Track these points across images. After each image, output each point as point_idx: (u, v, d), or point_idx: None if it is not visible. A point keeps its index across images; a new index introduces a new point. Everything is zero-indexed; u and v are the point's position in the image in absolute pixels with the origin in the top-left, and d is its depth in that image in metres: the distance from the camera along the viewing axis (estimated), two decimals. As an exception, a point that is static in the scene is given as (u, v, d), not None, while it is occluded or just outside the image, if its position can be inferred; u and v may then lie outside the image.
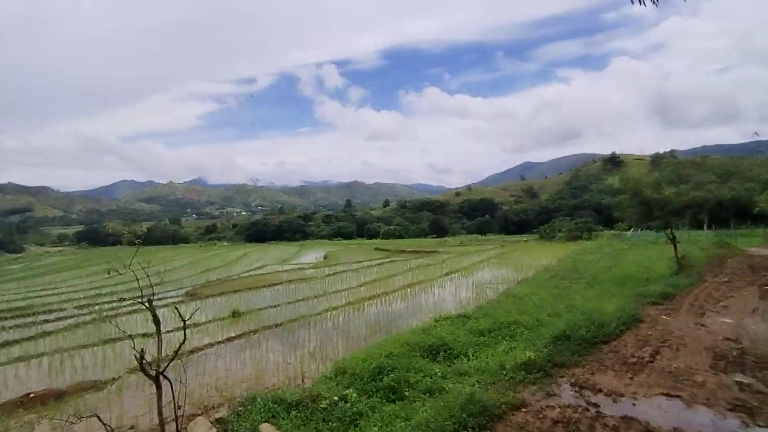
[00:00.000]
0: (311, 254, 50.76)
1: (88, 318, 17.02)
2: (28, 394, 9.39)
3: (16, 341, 14.44)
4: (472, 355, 8.72)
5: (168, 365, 5.51)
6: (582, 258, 26.08)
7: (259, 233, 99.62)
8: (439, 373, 7.68)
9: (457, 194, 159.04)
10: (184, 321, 5.66)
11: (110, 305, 19.02)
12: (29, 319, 18.26)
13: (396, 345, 9.22)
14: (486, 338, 9.95)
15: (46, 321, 17.59)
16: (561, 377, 7.44)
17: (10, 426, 7.53)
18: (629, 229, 41.87)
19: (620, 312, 10.86)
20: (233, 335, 13.09)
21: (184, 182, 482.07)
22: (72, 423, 5.33)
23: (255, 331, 13.34)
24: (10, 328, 16.75)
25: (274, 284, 23.92)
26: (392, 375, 7.45)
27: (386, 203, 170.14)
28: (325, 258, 45.67)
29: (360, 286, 21.87)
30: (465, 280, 21.92)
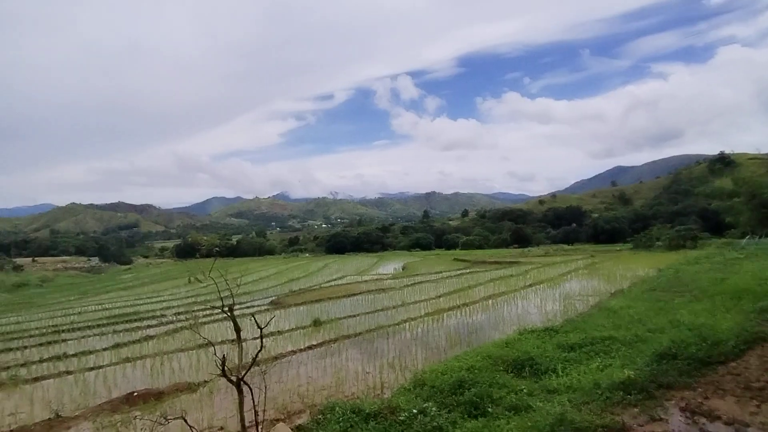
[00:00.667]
0: (389, 265, 51.02)
1: (184, 324, 18.17)
2: (132, 392, 10.11)
3: (125, 344, 15.80)
4: (562, 372, 8.05)
5: (247, 371, 5.55)
6: (686, 269, 23.62)
7: (338, 245, 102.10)
8: (524, 390, 7.14)
9: (541, 202, 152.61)
10: (261, 329, 5.71)
11: (203, 312, 20.20)
12: (135, 324, 19.96)
13: (477, 358, 8.79)
14: (576, 354, 9.17)
15: (149, 326, 19.12)
16: (668, 400, 6.60)
17: (116, 422, 8.02)
18: (744, 237, 37.33)
19: (739, 329, 9.52)
20: (314, 343, 13.31)
21: (269, 197, 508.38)
22: (161, 424, 5.51)
23: (335, 340, 13.47)
24: (120, 331, 18.40)
25: (354, 294, 24.18)
26: (474, 389, 7.04)
27: (465, 213, 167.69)
28: (403, 269, 45.64)
29: (439, 296, 21.46)
30: (551, 292, 20.72)
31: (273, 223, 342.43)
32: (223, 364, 5.26)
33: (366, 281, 32.03)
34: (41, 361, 14.06)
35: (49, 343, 17.13)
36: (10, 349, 16.29)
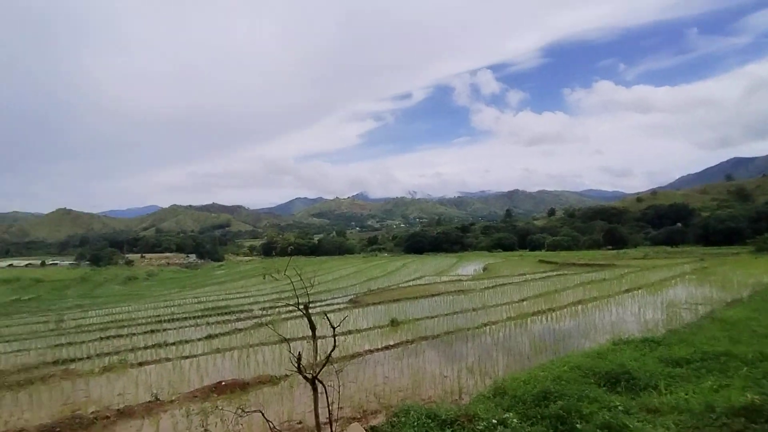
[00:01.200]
0: (469, 266, 50.04)
1: (269, 319, 18.93)
2: (221, 382, 10.64)
3: (216, 335, 16.83)
4: (665, 389, 7.17)
5: (321, 369, 5.50)
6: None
7: (417, 244, 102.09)
8: (619, 407, 6.43)
9: (639, 200, 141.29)
10: (334, 329, 5.63)
11: (286, 309, 20.93)
12: (226, 317, 21.24)
13: (564, 368, 8.15)
14: (684, 370, 8.14)
15: (238, 319, 20.24)
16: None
17: (204, 409, 8.39)
18: None
19: None
20: (391, 343, 13.21)
21: (348, 197, 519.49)
22: (239, 416, 5.62)
23: (412, 341, 13.27)
24: (213, 324, 19.65)
25: (432, 295, 23.88)
26: (560, 402, 6.47)
27: (551, 212, 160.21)
28: (484, 270, 44.57)
29: (522, 300, 20.52)
30: (651, 299, 18.96)
31: (352, 223, 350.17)
32: (299, 360, 5.25)
33: (445, 282, 31.58)
34: (145, 347, 15.35)
35: (153, 331, 18.71)
36: (121, 336, 18.00)
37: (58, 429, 8.18)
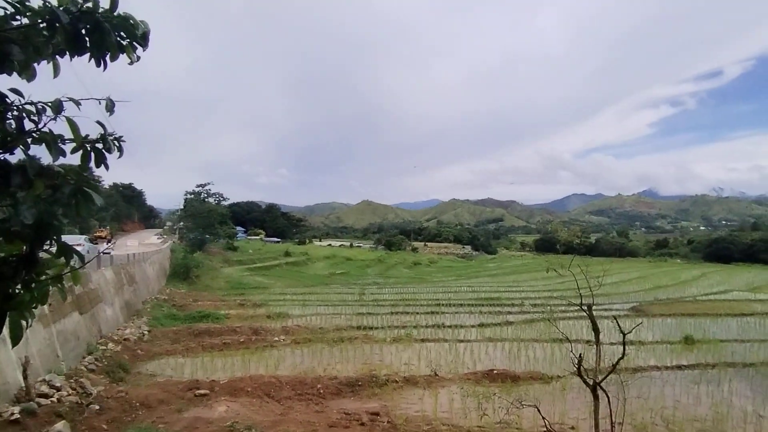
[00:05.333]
0: (803, 284, 38.38)
1: (540, 316, 18.84)
2: (492, 370, 11.31)
3: (488, 325, 17.80)
4: None
5: (605, 377, 5.30)
6: None
7: (721, 252, 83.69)
8: None
9: None
10: (624, 334, 5.30)
11: (559, 307, 20.35)
12: (497, 309, 22.12)
13: None
14: None
15: (509, 312, 20.82)
16: None
17: (478, 393, 9.06)
18: None
19: None
20: (685, 363, 11.67)
21: (633, 194, 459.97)
22: (516, 408, 5.90)
23: (714, 365, 11.32)
24: (485, 313, 20.78)
25: (743, 314, 19.66)
26: None
27: None
28: (827, 291, 33.62)
29: None
30: None
31: (637, 223, 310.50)
32: (579, 363, 5.18)
33: (762, 301, 25.19)
34: (426, 326, 17.38)
35: (432, 312, 20.97)
36: (408, 313, 20.81)
37: (360, 383, 10.15)
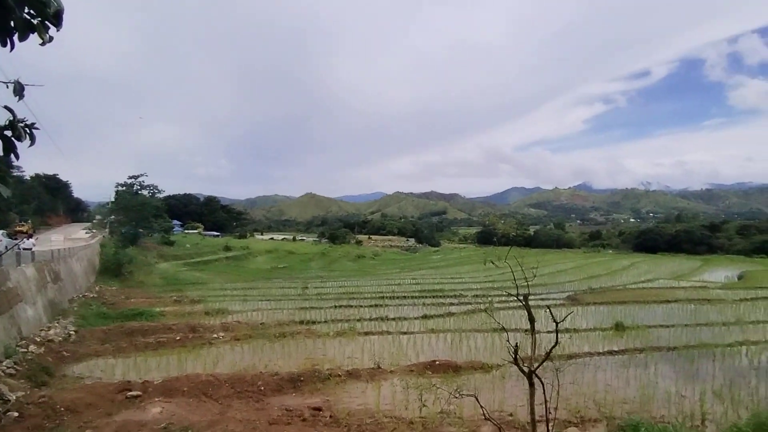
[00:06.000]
0: (719, 272, 41.94)
1: (481, 306, 19.28)
2: (435, 361, 11.38)
3: (431, 316, 17.98)
4: None
5: (540, 365, 5.39)
6: None
7: (649, 243, 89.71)
8: None
9: None
10: (557, 323, 5.41)
11: (500, 298, 20.95)
12: (440, 300, 22.43)
13: None
14: None
15: (452, 304, 21.16)
16: None
17: (419, 384, 9.09)
18: None
19: None
20: (615, 349, 12.23)
21: (569, 187, 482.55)
22: (455, 397, 5.90)
23: (641, 350, 11.99)
24: (428, 305, 21.00)
25: (668, 301, 21.00)
26: None
27: None
28: (739, 278, 37.02)
29: (798, 320, 16.40)
30: None
31: (572, 215, 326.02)
32: (516, 352, 5.24)
33: (685, 288, 27.21)
34: (370, 319, 17.33)
35: (376, 305, 20.96)
36: (351, 306, 20.67)
37: (302, 378, 9.92)
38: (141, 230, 47.08)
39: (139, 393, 8.51)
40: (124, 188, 49.42)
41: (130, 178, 50.03)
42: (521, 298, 5.47)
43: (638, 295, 23.22)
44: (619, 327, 14.57)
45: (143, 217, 46.65)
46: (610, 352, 11.81)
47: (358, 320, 16.81)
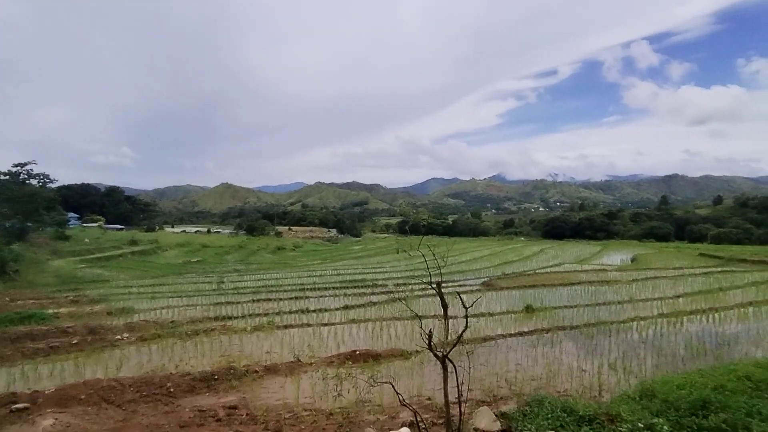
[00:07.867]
0: (615, 255, 46.09)
1: (402, 295, 19.56)
2: (355, 351, 11.35)
3: (353, 306, 17.93)
4: None
5: (452, 348, 5.53)
6: None
7: (556, 230, 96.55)
8: (804, 430, 5.44)
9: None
10: (466, 309, 5.58)
11: (420, 286, 21.39)
12: (361, 290, 22.43)
13: (729, 377, 7.09)
14: None
15: (373, 293, 21.24)
16: None
17: (339, 375, 9.03)
18: None
19: None
20: (525, 330, 12.86)
21: (485, 178, 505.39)
22: (371, 386, 5.91)
23: (548, 330, 12.74)
24: (350, 295, 20.92)
25: (572, 284, 22.58)
26: (723, 415, 5.67)
27: (718, 200, 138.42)
28: (632, 260, 40.85)
29: (677, 296, 18.40)
30: None
31: (488, 205, 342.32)
32: (430, 338, 5.34)
33: (586, 271, 29.53)
34: (290, 312, 16.95)
35: (297, 298, 20.56)
36: (270, 300, 20.08)
37: (216, 377, 9.47)
38: (29, 224, 42.52)
39: (27, 405, 7.64)
40: (8, 177, 44.32)
41: (16, 166, 45.03)
42: (434, 285, 5.55)
43: (546, 278, 24.74)
44: (529, 309, 15.41)
45: (33, 210, 42.12)
46: (521, 333, 12.43)
47: (278, 314, 16.38)
